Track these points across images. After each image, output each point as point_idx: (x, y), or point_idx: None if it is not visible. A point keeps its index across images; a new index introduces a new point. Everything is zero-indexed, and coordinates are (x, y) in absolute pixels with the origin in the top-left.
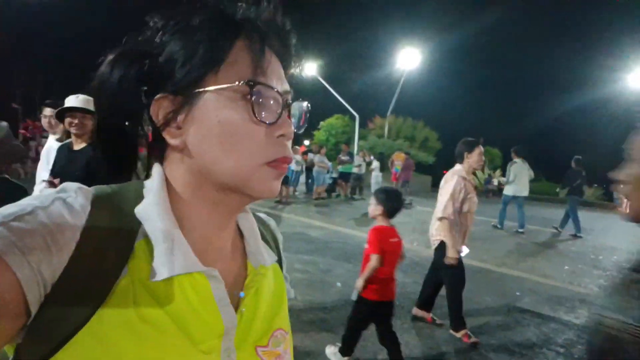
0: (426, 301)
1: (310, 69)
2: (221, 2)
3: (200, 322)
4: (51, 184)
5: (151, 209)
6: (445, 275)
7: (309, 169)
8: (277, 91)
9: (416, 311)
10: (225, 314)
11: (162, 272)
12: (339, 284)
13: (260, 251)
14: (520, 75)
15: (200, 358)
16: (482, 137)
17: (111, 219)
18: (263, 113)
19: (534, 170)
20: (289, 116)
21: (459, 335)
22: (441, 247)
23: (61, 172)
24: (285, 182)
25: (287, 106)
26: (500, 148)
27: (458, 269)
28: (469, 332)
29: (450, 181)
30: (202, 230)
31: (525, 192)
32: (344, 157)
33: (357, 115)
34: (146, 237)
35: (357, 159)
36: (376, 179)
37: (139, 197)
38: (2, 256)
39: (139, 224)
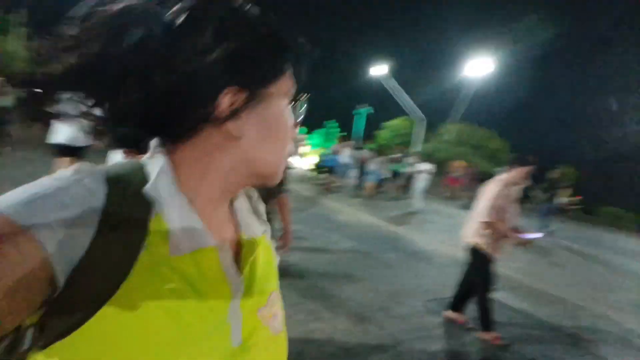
0: (458, 304)
1: (380, 69)
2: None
3: (213, 289)
4: None
5: (164, 188)
6: (474, 277)
7: (363, 164)
8: (303, 104)
9: (449, 314)
10: (233, 281)
11: (182, 248)
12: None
13: (253, 223)
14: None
15: (214, 318)
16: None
17: (126, 199)
18: (299, 119)
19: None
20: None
21: (487, 337)
22: (473, 249)
23: None
24: (332, 172)
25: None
26: (577, 167)
27: (488, 271)
28: (499, 335)
29: (494, 187)
30: (209, 207)
31: None
32: (395, 157)
33: (424, 118)
34: (158, 215)
35: (410, 160)
36: (425, 180)
37: (144, 176)
38: (32, 232)
39: (150, 202)
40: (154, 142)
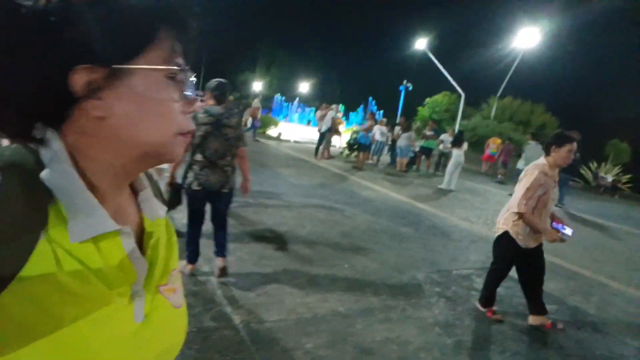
0: (534, 304)
1: (419, 43)
2: None
3: (116, 273)
4: None
5: (61, 175)
6: (499, 264)
7: (394, 141)
8: (190, 73)
9: (532, 320)
10: (138, 265)
11: (82, 234)
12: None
13: (154, 205)
14: None
15: (117, 300)
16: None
17: (22, 185)
18: (184, 93)
19: None
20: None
21: (483, 309)
22: (502, 237)
23: None
24: (364, 149)
25: (192, 85)
26: (631, 142)
27: (511, 260)
28: (493, 309)
29: (530, 175)
30: (109, 192)
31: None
32: (428, 133)
33: (462, 93)
34: (56, 202)
35: (444, 137)
36: (457, 158)
37: (38, 163)
38: None
39: (47, 189)
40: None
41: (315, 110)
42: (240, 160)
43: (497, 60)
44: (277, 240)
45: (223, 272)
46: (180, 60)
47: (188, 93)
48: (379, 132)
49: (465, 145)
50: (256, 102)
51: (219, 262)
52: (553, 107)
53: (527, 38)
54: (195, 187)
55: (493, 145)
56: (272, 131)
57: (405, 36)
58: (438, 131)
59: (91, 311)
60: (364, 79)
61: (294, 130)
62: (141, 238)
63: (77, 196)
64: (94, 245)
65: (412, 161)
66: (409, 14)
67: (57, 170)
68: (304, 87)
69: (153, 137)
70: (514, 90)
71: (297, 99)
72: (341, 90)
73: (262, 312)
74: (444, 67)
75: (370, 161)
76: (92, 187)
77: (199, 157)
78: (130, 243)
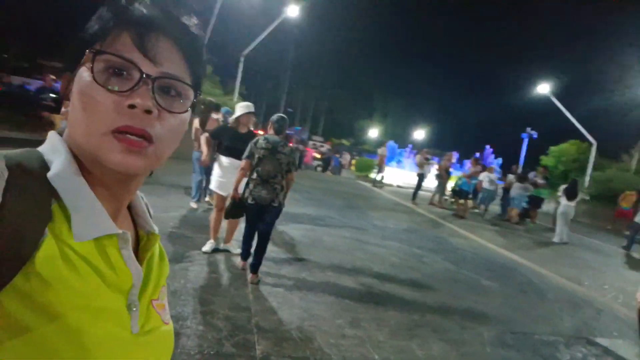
0: None
1: (542, 87)
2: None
3: (115, 276)
4: None
5: (65, 176)
6: None
7: (507, 190)
8: (131, 62)
9: None
10: (134, 270)
11: (85, 233)
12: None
13: (150, 221)
14: None
15: (116, 304)
16: None
17: (28, 184)
18: (108, 81)
19: None
20: (153, 91)
21: None
22: None
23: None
24: (465, 196)
25: (147, 80)
26: None
27: None
28: None
29: None
30: (107, 196)
31: None
32: (539, 181)
33: (594, 142)
34: (60, 202)
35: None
36: (563, 208)
37: (43, 163)
38: None
39: (51, 189)
40: (51, 133)
41: (416, 155)
42: (288, 182)
43: (633, 106)
44: (334, 278)
45: (253, 281)
46: (124, 49)
47: (102, 78)
48: (487, 179)
49: (578, 197)
50: (382, 150)
51: (252, 277)
52: None
53: None
54: (250, 201)
55: (627, 200)
56: (374, 175)
57: (528, 80)
58: (551, 179)
59: (93, 311)
60: (481, 126)
61: (400, 175)
62: (136, 250)
63: (81, 197)
64: (94, 246)
65: (527, 214)
66: (532, 56)
67: (62, 171)
68: (419, 133)
69: (80, 134)
70: None
71: (410, 146)
72: (457, 136)
73: (287, 347)
74: (573, 113)
75: (476, 210)
76: (95, 189)
77: (254, 175)
78: (127, 249)
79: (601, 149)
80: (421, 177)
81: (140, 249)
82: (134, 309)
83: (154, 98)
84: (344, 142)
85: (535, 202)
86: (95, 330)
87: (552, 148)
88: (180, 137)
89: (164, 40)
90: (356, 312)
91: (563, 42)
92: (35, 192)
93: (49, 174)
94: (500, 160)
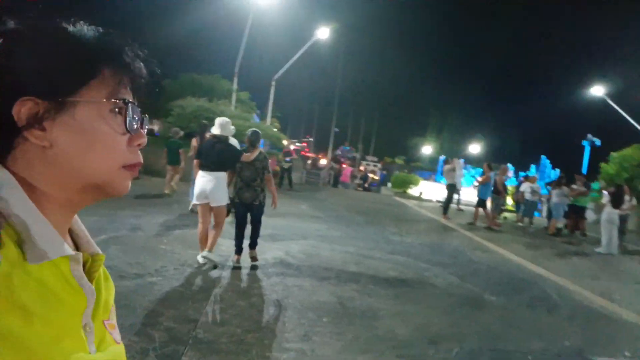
0: None
1: (596, 90)
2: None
3: (70, 297)
4: None
5: (14, 201)
6: None
7: (549, 200)
8: (137, 107)
9: None
10: (87, 290)
11: (40, 256)
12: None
13: (92, 242)
14: None
15: (72, 324)
16: None
17: None
18: (129, 126)
19: None
20: (142, 128)
21: None
22: None
23: None
24: (480, 204)
25: (142, 120)
26: None
27: None
28: None
29: None
30: (54, 222)
31: None
32: (579, 188)
33: None
34: (9, 227)
35: (605, 195)
36: (606, 215)
37: None
38: None
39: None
40: None
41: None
42: (268, 184)
43: None
44: (307, 292)
45: (253, 259)
46: (127, 94)
47: (133, 126)
48: (529, 190)
49: (627, 204)
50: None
51: (250, 252)
52: None
53: None
54: (236, 200)
55: None
56: (413, 190)
57: (586, 84)
58: (589, 185)
59: (52, 331)
60: (540, 136)
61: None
62: (83, 269)
63: (32, 220)
64: (49, 268)
65: (576, 225)
66: (584, 58)
67: (9, 196)
68: (475, 147)
69: (95, 169)
70: None
71: (462, 160)
72: (514, 148)
73: (213, 359)
74: (634, 116)
75: (520, 223)
76: (44, 213)
77: (239, 179)
78: (79, 269)
79: None
80: (451, 188)
81: (86, 270)
82: (89, 329)
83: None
84: (397, 160)
85: (576, 211)
86: (59, 354)
87: (613, 154)
88: None
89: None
90: (313, 325)
91: (617, 41)
92: None
93: None
94: (558, 171)
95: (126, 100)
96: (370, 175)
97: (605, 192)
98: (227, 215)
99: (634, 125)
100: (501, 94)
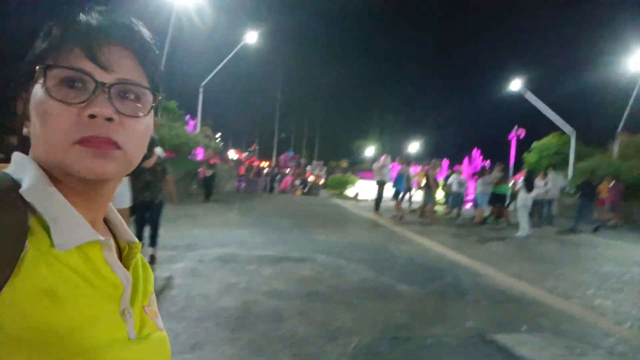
0: None
1: (514, 84)
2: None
3: (104, 283)
4: None
5: (38, 189)
6: None
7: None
8: (83, 71)
9: None
10: (122, 276)
11: (67, 242)
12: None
13: (129, 230)
14: None
15: (109, 310)
16: None
17: (1, 202)
18: (64, 94)
19: None
20: (111, 98)
21: None
22: None
23: None
24: (396, 196)
25: (103, 88)
26: None
27: None
28: None
29: None
30: (83, 207)
31: None
32: (496, 173)
33: (573, 131)
34: (36, 215)
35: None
36: (520, 201)
37: (13, 181)
38: None
39: (26, 203)
40: (16, 154)
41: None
42: (167, 183)
43: (615, 91)
44: (200, 300)
45: (152, 259)
46: (80, 62)
47: (82, 93)
48: (456, 182)
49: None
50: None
51: (149, 250)
52: None
53: None
54: (139, 200)
55: (604, 187)
56: (349, 191)
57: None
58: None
59: (86, 317)
60: (473, 130)
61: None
62: (120, 260)
63: (57, 207)
64: (78, 254)
65: (500, 213)
66: (505, 53)
67: (34, 185)
68: (414, 146)
69: (49, 148)
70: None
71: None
72: (450, 144)
73: None
74: (554, 107)
75: (449, 215)
76: (70, 201)
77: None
78: (112, 255)
79: (586, 138)
80: (381, 184)
81: (123, 258)
82: (128, 315)
83: (113, 105)
84: (342, 164)
85: (498, 199)
86: (92, 339)
87: (535, 144)
88: (146, 141)
89: (116, 47)
90: (208, 334)
91: (533, 35)
92: (9, 209)
93: (22, 190)
94: (488, 162)
95: (44, 64)
96: (315, 179)
97: (518, 180)
98: (131, 216)
99: (552, 116)
100: (436, 93)
